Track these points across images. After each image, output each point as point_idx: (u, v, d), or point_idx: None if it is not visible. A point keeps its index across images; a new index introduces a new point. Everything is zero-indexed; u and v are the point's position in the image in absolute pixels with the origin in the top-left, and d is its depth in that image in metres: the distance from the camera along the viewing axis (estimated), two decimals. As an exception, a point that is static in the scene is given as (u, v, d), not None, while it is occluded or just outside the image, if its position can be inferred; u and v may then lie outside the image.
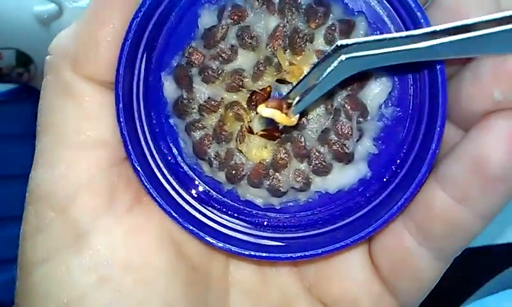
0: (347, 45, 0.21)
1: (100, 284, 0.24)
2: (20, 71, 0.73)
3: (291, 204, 0.28)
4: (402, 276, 0.26)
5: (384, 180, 0.27)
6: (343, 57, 0.21)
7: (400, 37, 0.21)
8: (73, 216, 0.24)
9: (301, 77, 0.24)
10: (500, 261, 0.63)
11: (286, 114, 0.24)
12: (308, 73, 0.23)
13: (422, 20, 0.23)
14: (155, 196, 0.25)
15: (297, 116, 0.24)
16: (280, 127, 0.25)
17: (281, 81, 0.27)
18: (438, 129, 0.23)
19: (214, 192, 0.28)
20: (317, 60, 0.26)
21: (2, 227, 0.68)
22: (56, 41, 0.25)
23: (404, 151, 0.27)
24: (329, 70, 0.21)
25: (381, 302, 0.27)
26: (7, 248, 0.67)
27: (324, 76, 0.22)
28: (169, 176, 0.27)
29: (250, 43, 0.26)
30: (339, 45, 0.21)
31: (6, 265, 0.67)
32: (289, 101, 0.24)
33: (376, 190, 0.27)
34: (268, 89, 0.27)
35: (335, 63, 0.21)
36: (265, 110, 0.23)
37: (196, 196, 0.28)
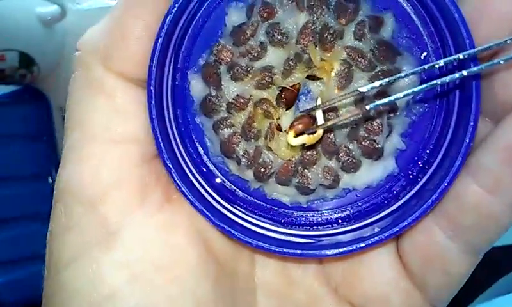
0: (367, 91, 0.22)
1: (132, 281, 0.23)
2: (23, 72, 0.72)
3: (318, 202, 0.28)
4: (432, 272, 0.26)
5: (411, 176, 0.27)
6: (367, 107, 0.22)
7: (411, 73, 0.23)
8: (103, 213, 0.24)
9: (325, 102, 0.25)
10: (507, 263, 0.63)
11: (312, 131, 0.24)
12: (333, 100, 0.24)
13: (457, 16, 0.23)
14: (187, 194, 0.24)
15: (322, 130, 0.24)
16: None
17: (310, 77, 0.26)
18: (472, 123, 0.23)
19: (240, 192, 0.28)
20: (345, 55, 0.26)
21: (2, 228, 0.67)
22: (86, 37, 0.24)
23: (431, 146, 0.27)
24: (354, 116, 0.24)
25: (410, 300, 0.27)
26: (8, 249, 0.67)
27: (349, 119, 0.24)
28: (198, 176, 0.26)
29: (280, 39, 0.26)
30: (362, 91, 0.22)
31: (6, 266, 0.66)
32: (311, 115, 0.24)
33: (403, 186, 0.27)
34: (297, 85, 0.26)
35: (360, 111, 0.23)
36: (294, 140, 0.24)
37: (222, 195, 0.27)
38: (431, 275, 0.26)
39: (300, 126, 0.24)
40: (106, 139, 0.24)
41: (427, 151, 0.27)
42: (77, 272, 0.23)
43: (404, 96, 0.22)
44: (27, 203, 0.69)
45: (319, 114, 0.24)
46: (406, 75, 0.23)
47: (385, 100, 0.22)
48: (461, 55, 0.22)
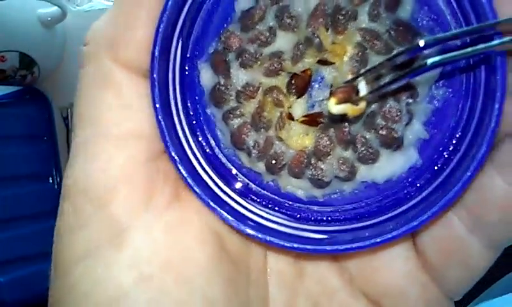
0: (428, 46, 0.20)
1: (141, 282, 0.23)
2: (24, 73, 0.73)
3: (335, 196, 0.27)
4: (450, 266, 0.26)
5: (436, 168, 0.26)
6: (428, 61, 0.20)
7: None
8: (112, 212, 0.24)
9: (372, 66, 0.23)
10: (507, 263, 0.62)
11: (355, 103, 0.23)
12: (381, 63, 0.23)
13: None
14: (194, 188, 0.24)
15: (365, 103, 0.22)
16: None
17: (322, 62, 0.25)
18: (497, 105, 0.22)
19: (253, 185, 0.27)
20: (359, 38, 0.25)
21: (3, 228, 0.69)
22: (92, 30, 0.25)
23: (457, 135, 0.25)
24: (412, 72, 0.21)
25: (427, 293, 0.27)
26: (8, 249, 0.66)
27: (404, 79, 0.22)
28: (208, 168, 0.26)
29: (289, 23, 0.25)
30: (421, 45, 0.20)
31: (6, 265, 0.67)
32: (355, 84, 0.23)
33: (427, 179, 0.26)
34: (308, 71, 0.26)
35: (419, 67, 0.21)
36: (335, 108, 0.23)
37: (235, 188, 0.27)
38: (449, 269, 0.26)
39: (341, 94, 0.23)
40: (115, 136, 0.24)
41: (453, 141, 0.26)
42: (86, 272, 0.24)
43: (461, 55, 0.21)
44: (28, 203, 0.71)
45: (361, 85, 0.22)
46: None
47: (446, 55, 0.20)
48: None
